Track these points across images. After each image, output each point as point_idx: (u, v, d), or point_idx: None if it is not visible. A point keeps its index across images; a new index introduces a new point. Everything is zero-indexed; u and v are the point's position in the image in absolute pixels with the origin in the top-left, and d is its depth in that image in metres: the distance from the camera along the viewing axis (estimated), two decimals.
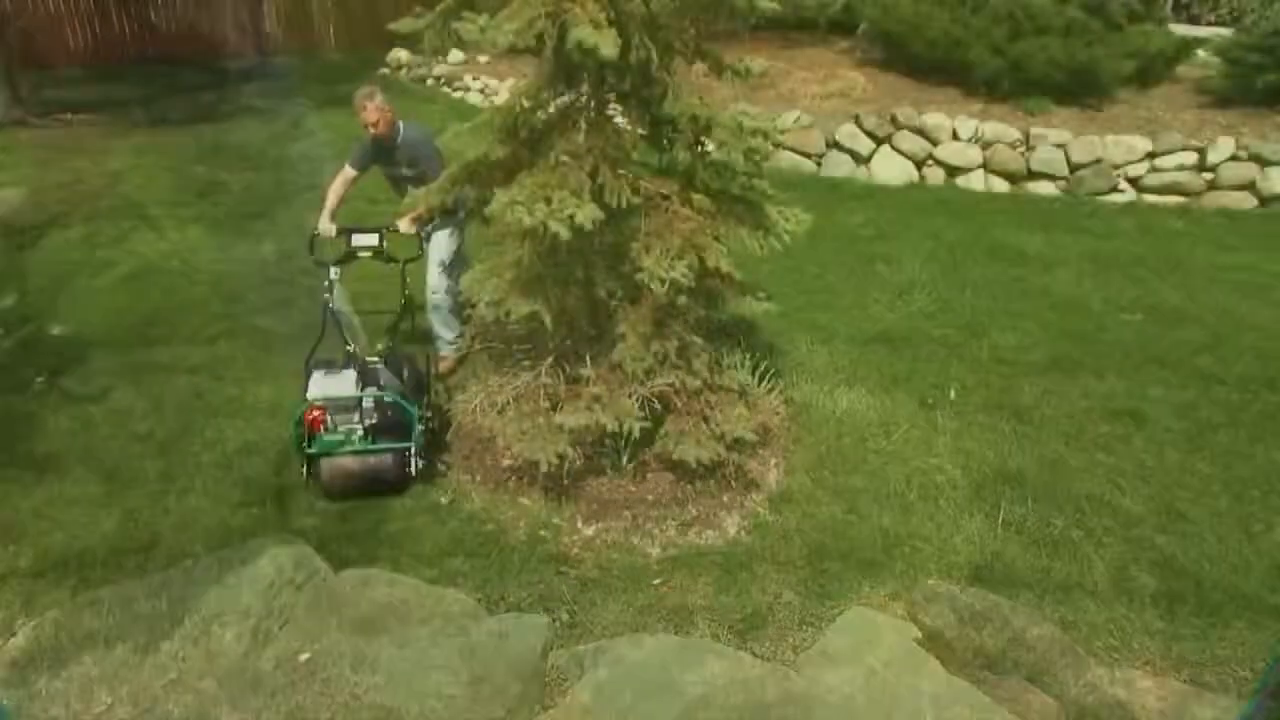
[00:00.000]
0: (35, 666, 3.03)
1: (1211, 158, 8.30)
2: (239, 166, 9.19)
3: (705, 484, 4.00)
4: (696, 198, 3.73)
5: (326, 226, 4.63)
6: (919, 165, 9.13)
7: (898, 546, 3.77)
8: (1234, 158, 8.27)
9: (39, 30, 13.45)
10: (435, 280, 4.87)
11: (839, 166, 9.22)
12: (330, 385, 3.94)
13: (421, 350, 4.67)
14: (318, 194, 4.61)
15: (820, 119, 9.33)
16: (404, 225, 4.56)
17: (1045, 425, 4.71)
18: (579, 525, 3.83)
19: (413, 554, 3.61)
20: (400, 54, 14.22)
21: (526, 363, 4.21)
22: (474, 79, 12.48)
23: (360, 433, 3.96)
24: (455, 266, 4.87)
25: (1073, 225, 7.89)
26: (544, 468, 3.72)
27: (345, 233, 4.45)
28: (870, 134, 9.12)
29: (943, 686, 3.08)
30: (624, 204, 3.45)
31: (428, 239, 4.78)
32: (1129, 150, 8.47)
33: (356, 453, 3.91)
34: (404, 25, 3.68)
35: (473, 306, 4.30)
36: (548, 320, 3.73)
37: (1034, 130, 8.71)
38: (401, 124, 4.66)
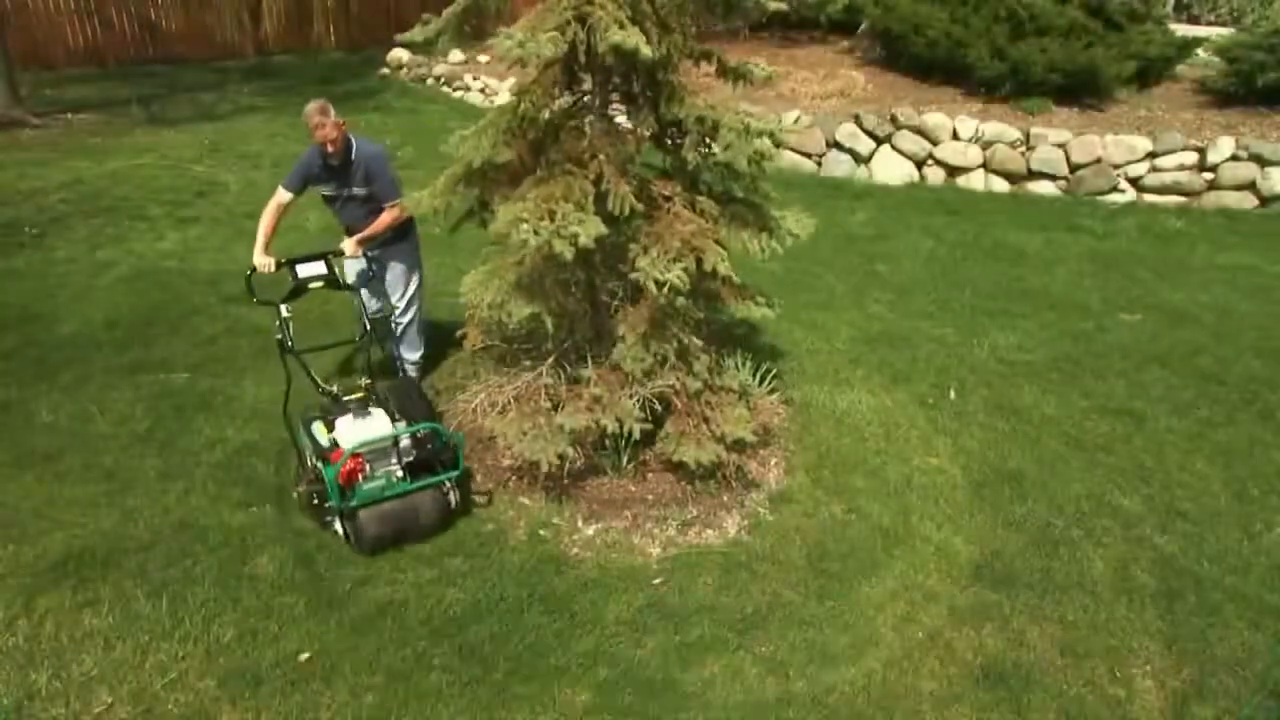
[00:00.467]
0: (35, 665, 3.03)
1: (1212, 157, 8.29)
2: (239, 166, 9.21)
3: (705, 484, 4.00)
4: (700, 200, 3.73)
5: (264, 261, 4.20)
6: (919, 165, 9.13)
7: (897, 546, 3.78)
8: (1234, 157, 8.27)
9: (39, 30, 13.46)
10: (401, 301, 4.72)
11: (839, 166, 9.22)
12: (364, 429, 3.61)
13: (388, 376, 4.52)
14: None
15: (820, 118, 9.33)
16: (350, 248, 4.35)
17: (1045, 425, 4.71)
18: (579, 525, 3.83)
19: (413, 554, 3.61)
20: (400, 54, 14.20)
21: (527, 363, 4.21)
22: (474, 79, 12.47)
23: (400, 473, 3.69)
24: (418, 286, 4.77)
25: (1073, 225, 7.89)
26: (544, 468, 3.72)
27: (287, 265, 4.10)
28: (870, 134, 9.12)
29: (943, 686, 3.08)
30: (627, 211, 3.45)
31: (375, 262, 4.56)
32: (1129, 150, 8.46)
33: (399, 495, 3.58)
34: (413, 35, 3.66)
35: (474, 307, 4.29)
36: (549, 322, 3.73)
37: (1034, 130, 8.71)
38: (354, 139, 4.35)
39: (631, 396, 3.80)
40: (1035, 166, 8.69)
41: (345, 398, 3.80)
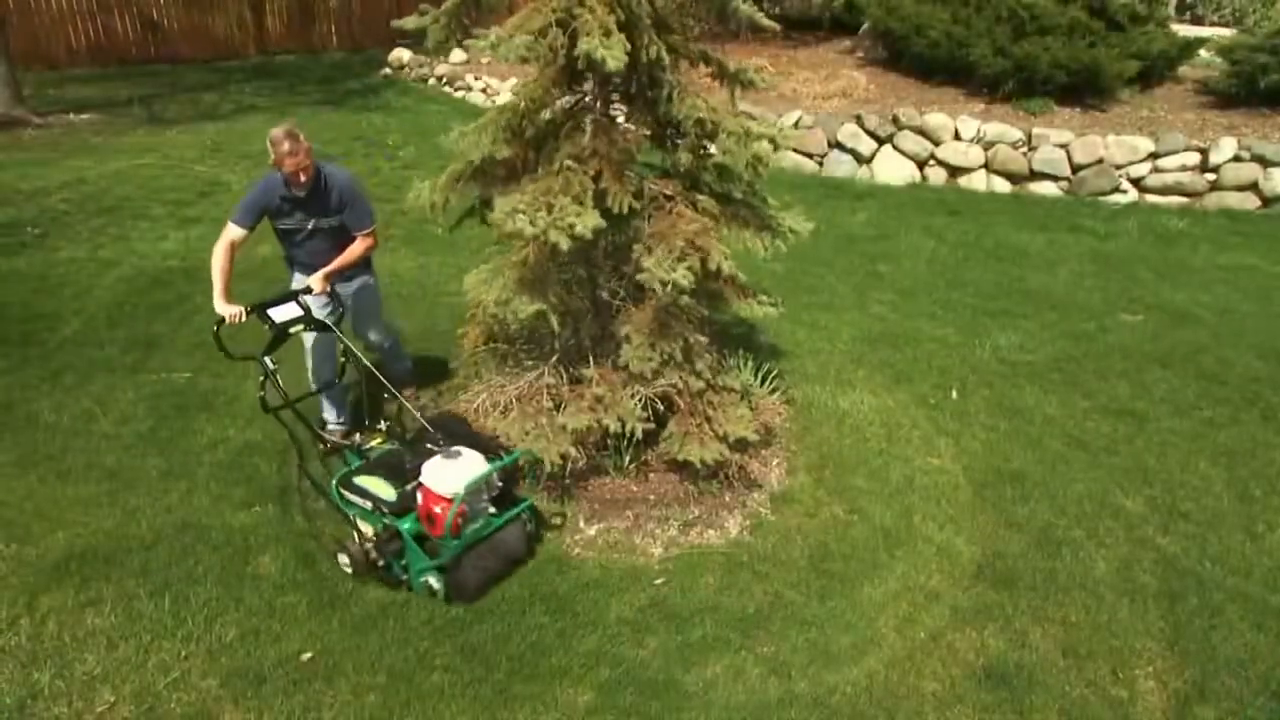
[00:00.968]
0: (38, 664, 3.03)
1: (1214, 158, 8.28)
2: (241, 166, 9.22)
3: (707, 484, 4.00)
4: (701, 199, 3.73)
5: (231, 310, 3.75)
6: (921, 165, 9.13)
7: (899, 547, 3.78)
8: (1236, 158, 8.26)
9: (41, 29, 13.48)
10: (380, 329, 4.58)
11: (841, 166, 9.22)
12: (465, 470, 3.27)
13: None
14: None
15: (822, 119, 9.32)
16: (318, 284, 3.97)
17: (1047, 425, 4.71)
18: (581, 525, 3.84)
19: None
20: (402, 54, 14.22)
21: (529, 363, 4.21)
22: (476, 78, 12.47)
23: (492, 509, 3.49)
24: (383, 311, 4.63)
25: (1075, 225, 7.89)
26: (547, 468, 3.72)
27: (257, 312, 3.72)
28: (872, 134, 9.12)
29: (945, 687, 3.08)
30: (626, 209, 3.45)
31: (342, 295, 4.20)
32: (1131, 150, 8.46)
33: (491, 534, 3.40)
34: (409, 22, 3.66)
35: (477, 306, 4.27)
36: (554, 320, 3.72)
37: (1036, 130, 8.71)
38: (321, 165, 3.96)
39: (633, 396, 3.80)
40: (1037, 167, 8.68)
41: (364, 447, 3.63)
